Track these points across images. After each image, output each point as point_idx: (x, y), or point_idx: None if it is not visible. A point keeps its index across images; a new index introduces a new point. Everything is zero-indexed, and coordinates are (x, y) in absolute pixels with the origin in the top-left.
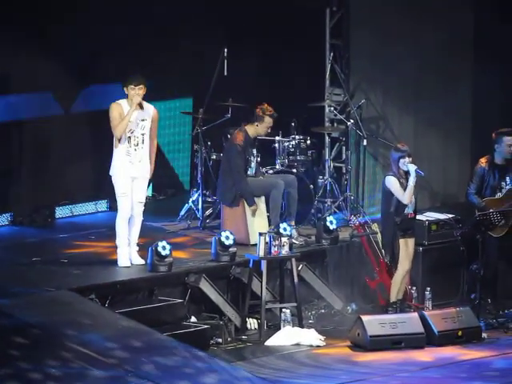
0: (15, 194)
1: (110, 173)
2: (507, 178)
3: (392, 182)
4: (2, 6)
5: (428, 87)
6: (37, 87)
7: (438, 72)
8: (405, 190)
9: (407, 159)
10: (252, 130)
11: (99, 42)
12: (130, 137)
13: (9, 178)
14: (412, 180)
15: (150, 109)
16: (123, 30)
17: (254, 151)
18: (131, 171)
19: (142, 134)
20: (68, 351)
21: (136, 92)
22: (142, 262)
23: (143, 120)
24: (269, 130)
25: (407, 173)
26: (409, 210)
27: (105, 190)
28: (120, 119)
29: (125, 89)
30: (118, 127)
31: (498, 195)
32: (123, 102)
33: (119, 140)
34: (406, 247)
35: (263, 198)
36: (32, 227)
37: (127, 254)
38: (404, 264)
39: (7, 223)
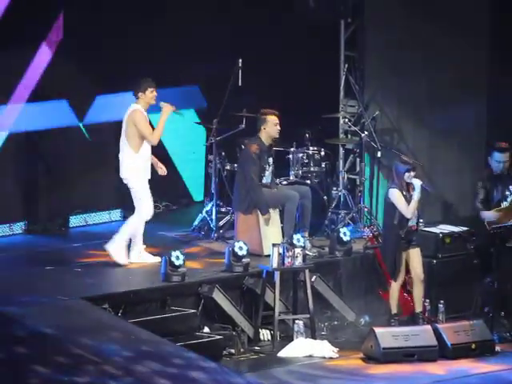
0: (29, 202)
1: (128, 176)
2: (511, 187)
3: (396, 196)
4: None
5: (443, 99)
6: (52, 97)
7: (453, 84)
8: (408, 203)
9: (412, 173)
10: (264, 135)
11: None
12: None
13: (23, 186)
14: (417, 195)
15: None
16: (138, 40)
17: (270, 160)
18: (148, 174)
19: None
20: (80, 361)
21: (155, 94)
22: (158, 258)
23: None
24: (278, 128)
25: (409, 185)
26: (412, 223)
27: (119, 199)
28: (149, 126)
29: (140, 94)
30: (156, 134)
31: (504, 204)
32: (141, 108)
33: (140, 145)
34: (410, 259)
35: (277, 209)
36: (46, 236)
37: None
38: (402, 276)
39: (21, 232)
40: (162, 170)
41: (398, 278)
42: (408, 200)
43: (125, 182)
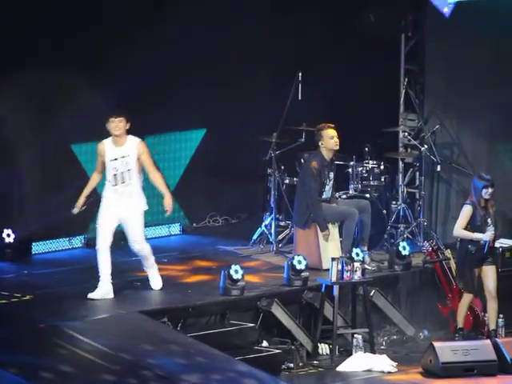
0: (88, 216)
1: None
2: None
3: (463, 211)
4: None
5: (505, 114)
6: None
7: None
8: (482, 220)
9: (490, 189)
10: (323, 150)
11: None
12: (115, 174)
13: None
14: (478, 236)
15: (133, 143)
16: (195, 54)
17: (331, 175)
18: (118, 209)
19: (128, 170)
20: (138, 374)
21: (116, 124)
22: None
23: (124, 157)
24: (336, 140)
25: (488, 202)
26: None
27: (178, 213)
28: (100, 160)
29: (107, 124)
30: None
31: None
32: (107, 141)
33: (106, 177)
34: (483, 276)
35: (336, 224)
36: None
37: (102, 287)
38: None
39: (81, 245)
40: (168, 212)
41: (470, 294)
42: (481, 217)
43: None
